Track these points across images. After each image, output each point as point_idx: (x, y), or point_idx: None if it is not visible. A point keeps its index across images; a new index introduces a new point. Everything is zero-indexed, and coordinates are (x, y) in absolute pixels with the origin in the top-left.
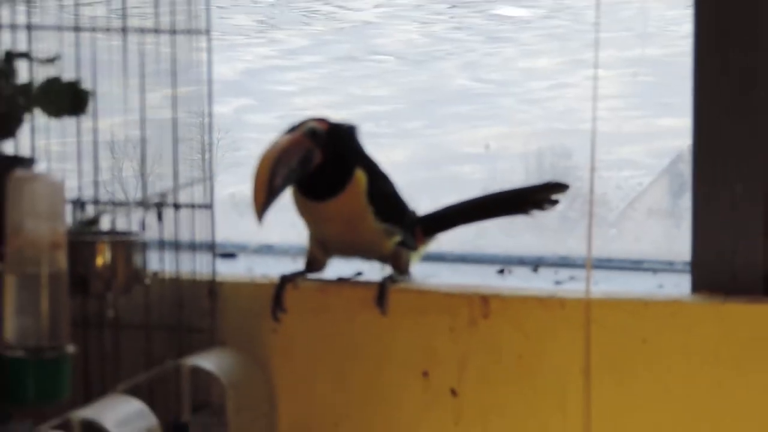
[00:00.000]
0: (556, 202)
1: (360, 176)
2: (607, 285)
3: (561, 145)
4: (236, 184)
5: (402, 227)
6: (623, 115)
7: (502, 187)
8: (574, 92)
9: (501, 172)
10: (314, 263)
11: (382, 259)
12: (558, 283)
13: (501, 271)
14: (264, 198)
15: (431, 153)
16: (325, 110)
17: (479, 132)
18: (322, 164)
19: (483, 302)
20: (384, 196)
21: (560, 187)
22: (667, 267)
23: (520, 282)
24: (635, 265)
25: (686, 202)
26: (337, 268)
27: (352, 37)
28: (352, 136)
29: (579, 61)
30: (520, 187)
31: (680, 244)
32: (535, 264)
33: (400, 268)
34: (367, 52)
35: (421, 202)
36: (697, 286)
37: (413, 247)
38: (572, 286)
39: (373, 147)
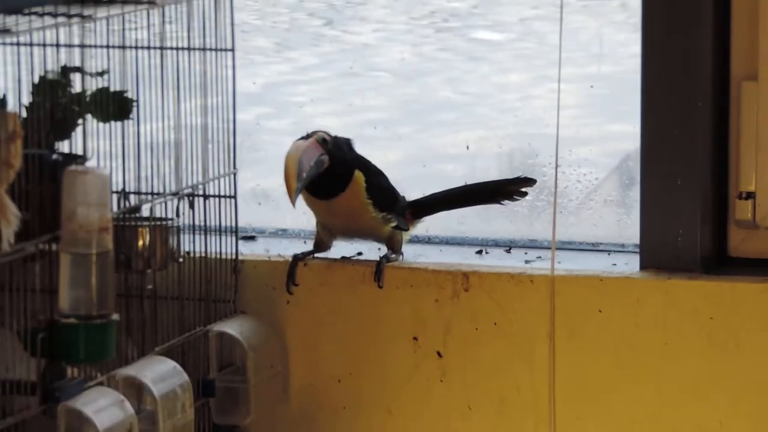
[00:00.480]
0: (524, 194)
1: (359, 176)
2: (568, 264)
3: (528, 146)
4: (256, 179)
5: (395, 212)
6: (581, 121)
7: (479, 181)
8: (540, 102)
9: (478, 169)
10: (321, 245)
11: (380, 240)
12: (527, 262)
13: (479, 252)
14: (296, 186)
15: (420, 153)
16: (331, 117)
17: (460, 135)
18: (328, 168)
19: (464, 278)
20: (380, 189)
21: (529, 182)
22: (620, 249)
23: (496, 261)
24: (593, 247)
25: (635, 194)
26: (341, 248)
27: (354, 56)
28: (350, 144)
29: (543, 77)
30: (494, 180)
31: (630, 230)
32: (508, 246)
33: (395, 248)
34: (366, 69)
35: (412, 193)
36: (645, 265)
37: (406, 229)
38: (539, 264)
39: (372, 148)
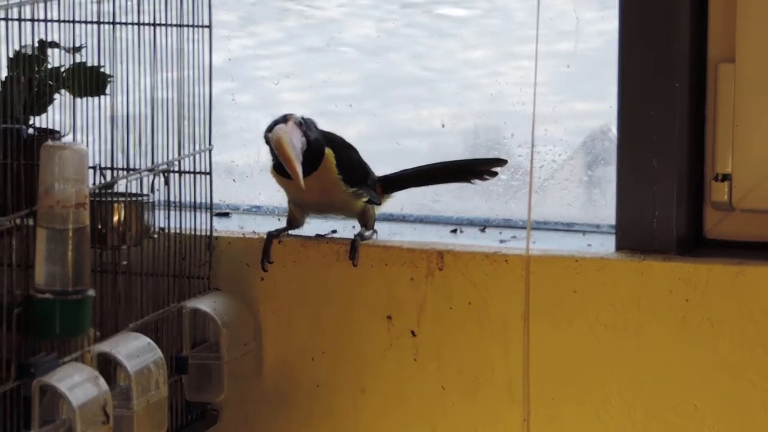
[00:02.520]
0: (495, 173)
1: (329, 154)
2: (543, 244)
3: (494, 123)
4: (220, 153)
5: (366, 187)
6: (547, 99)
7: (448, 158)
8: (505, 79)
9: (443, 145)
10: (294, 221)
11: (352, 216)
12: (502, 241)
13: (454, 231)
14: (299, 168)
15: (384, 129)
16: (296, 92)
17: (424, 112)
18: (304, 149)
19: (439, 257)
20: (350, 164)
21: (500, 162)
22: (595, 229)
23: (470, 240)
24: (567, 227)
25: (602, 172)
26: (315, 226)
27: (319, 31)
28: (315, 124)
29: (509, 54)
30: (466, 159)
31: (606, 210)
32: (483, 225)
33: (367, 224)
34: (331, 44)
35: (377, 169)
36: (620, 246)
37: (378, 203)
38: (514, 244)
39: (336, 124)
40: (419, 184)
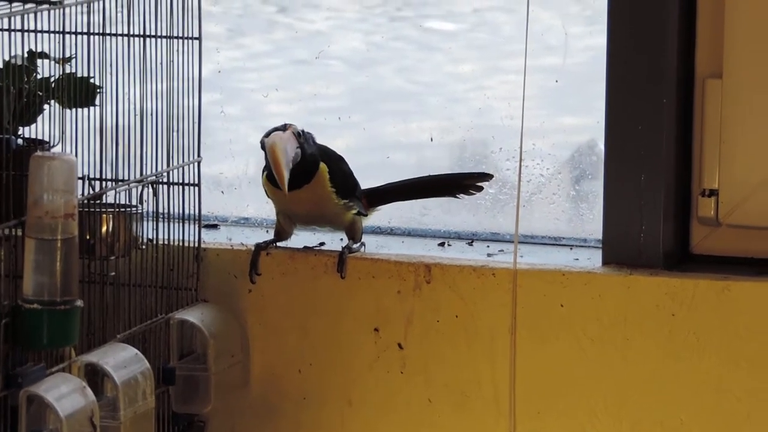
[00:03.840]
0: (480, 188)
1: (323, 168)
2: (531, 257)
3: (480, 137)
4: (209, 164)
5: (355, 198)
6: (534, 113)
7: (436, 172)
8: (492, 93)
9: (430, 159)
10: (282, 233)
11: (340, 227)
12: (490, 255)
13: (441, 244)
14: (286, 175)
15: (372, 142)
16: (283, 105)
17: (412, 125)
18: (299, 161)
19: (426, 270)
20: (342, 176)
21: (485, 177)
22: (582, 243)
23: (458, 253)
24: (555, 241)
25: (589, 186)
26: (304, 238)
27: (307, 44)
28: (314, 138)
29: (497, 68)
30: (451, 173)
31: (593, 225)
32: (471, 238)
33: (355, 237)
34: (319, 57)
35: (364, 182)
36: (607, 260)
37: (365, 214)
38: (502, 257)
39: (323, 136)
40: (404, 198)
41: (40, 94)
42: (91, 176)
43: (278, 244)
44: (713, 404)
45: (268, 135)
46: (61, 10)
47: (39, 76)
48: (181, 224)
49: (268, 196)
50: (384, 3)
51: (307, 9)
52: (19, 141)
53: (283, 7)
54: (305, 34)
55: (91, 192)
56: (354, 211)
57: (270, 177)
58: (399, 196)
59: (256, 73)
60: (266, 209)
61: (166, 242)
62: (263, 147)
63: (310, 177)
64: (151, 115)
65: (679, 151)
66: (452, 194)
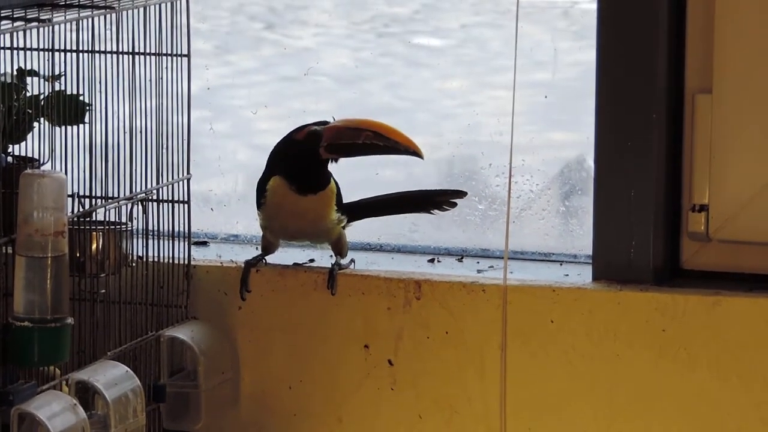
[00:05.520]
0: (454, 204)
1: (333, 179)
2: (521, 273)
3: (469, 153)
4: (199, 181)
5: (342, 210)
6: (523, 129)
7: (424, 189)
8: (480, 109)
9: (419, 175)
10: (270, 247)
11: (329, 241)
12: (480, 271)
13: (431, 260)
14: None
15: (361, 158)
16: (271, 121)
17: None
18: (321, 162)
19: (416, 286)
20: (339, 189)
21: (459, 193)
22: (572, 259)
23: (448, 270)
24: (545, 257)
25: (578, 202)
26: (293, 255)
27: (295, 61)
28: None
29: (485, 84)
30: (425, 190)
31: (583, 240)
32: (461, 255)
33: (342, 252)
34: (307, 74)
35: (350, 198)
36: (597, 276)
37: (345, 227)
38: (492, 274)
39: None
40: (379, 213)
41: (30, 111)
42: (81, 194)
43: (267, 260)
44: (704, 419)
45: (321, 124)
46: (50, 27)
47: (28, 94)
48: (170, 241)
49: (262, 208)
50: (372, 19)
51: (294, 26)
52: (9, 159)
53: (270, 23)
54: (293, 51)
55: (81, 209)
56: (342, 224)
57: (292, 177)
58: (374, 212)
59: (245, 89)
60: (255, 226)
61: (156, 259)
62: (314, 135)
63: (324, 185)
64: (141, 132)
65: (669, 166)
66: (426, 210)
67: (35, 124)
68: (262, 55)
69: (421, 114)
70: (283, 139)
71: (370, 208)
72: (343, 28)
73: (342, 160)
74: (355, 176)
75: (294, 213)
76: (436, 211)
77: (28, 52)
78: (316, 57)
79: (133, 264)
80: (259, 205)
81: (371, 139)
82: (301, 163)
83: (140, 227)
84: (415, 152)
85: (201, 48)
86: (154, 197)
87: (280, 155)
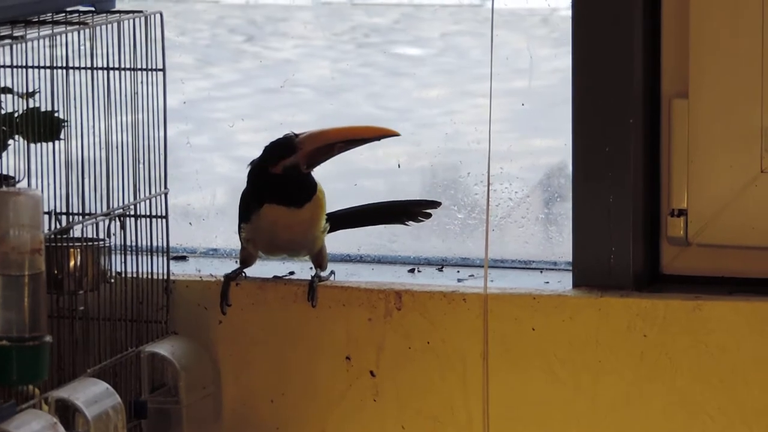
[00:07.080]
0: (429, 215)
1: (320, 187)
2: (501, 282)
3: (449, 162)
4: (177, 196)
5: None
6: (503, 136)
7: (405, 198)
8: (460, 118)
9: (400, 184)
10: (249, 259)
11: (311, 253)
12: (460, 280)
13: (411, 271)
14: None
15: (341, 168)
16: (252, 133)
17: (380, 151)
18: (305, 174)
19: (397, 297)
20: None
21: (433, 204)
22: (552, 266)
23: (428, 279)
24: (525, 265)
25: (560, 209)
26: (273, 268)
27: (275, 72)
28: None
29: (465, 92)
30: (399, 201)
31: (563, 247)
32: (441, 264)
33: (322, 264)
34: (286, 85)
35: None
36: (577, 283)
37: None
38: (472, 283)
39: None
40: (354, 225)
41: (5, 129)
42: (58, 210)
43: (247, 273)
44: (687, 423)
45: (296, 135)
46: (24, 44)
47: (3, 111)
48: (149, 257)
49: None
50: (351, 30)
51: (274, 38)
52: None
53: (250, 36)
54: (273, 63)
55: (58, 226)
56: (326, 233)
57: (285, 200)
58: (348, 223)
59: (225, 102)
60: (235, 240)
61: (134, 275)
62: (294, 145)
63: (311, 195)
64: (117, 147)
65: (647, 171)
66: (401, 221)
67: (10, 141)
68: (243, 67)
69: (402, 123)
70: (259, 170)
71: (345, 219)
72: (323, 39)
73: (321, 167)
74: (334, 186)
75: (288, 225)
76: (411, 222)
77: (2, 69)
78: (296, 68)
79: (112, 280)
80: (246, 219)
81: (344, 146)
82: (288, 188)
83: (118, 243)
84: (390, 134)
85: (181, 61)
86: (132, 212)
87: (266, 188)
